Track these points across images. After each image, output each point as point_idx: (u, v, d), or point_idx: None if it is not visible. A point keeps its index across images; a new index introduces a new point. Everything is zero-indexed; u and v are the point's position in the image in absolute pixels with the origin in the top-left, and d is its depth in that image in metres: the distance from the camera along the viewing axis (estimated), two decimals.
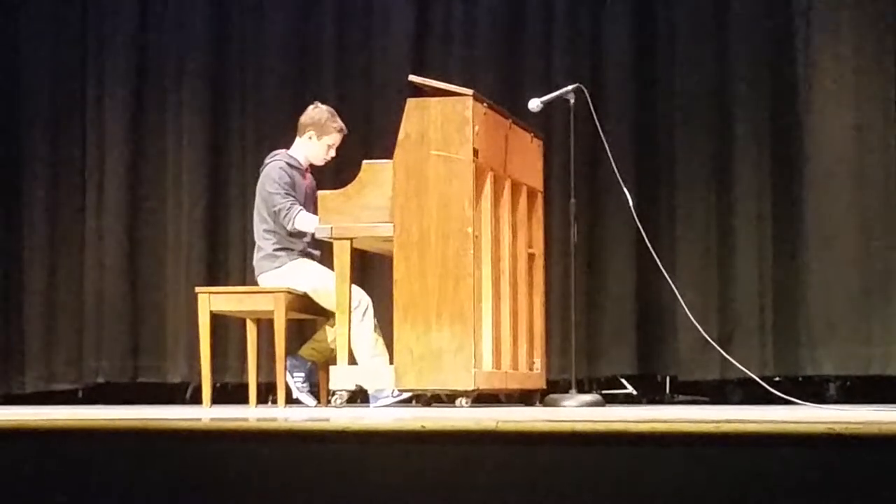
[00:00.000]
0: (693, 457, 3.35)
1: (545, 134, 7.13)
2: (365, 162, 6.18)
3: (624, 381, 7.87)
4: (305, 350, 6.94)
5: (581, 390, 6.68)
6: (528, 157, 6.70)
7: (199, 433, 3.84)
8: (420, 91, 6.14)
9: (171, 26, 8.55)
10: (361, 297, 6.49)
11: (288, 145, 6.91)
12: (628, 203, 6.56)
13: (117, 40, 8.59)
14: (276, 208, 6.69)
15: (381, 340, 6.49)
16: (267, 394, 7.75)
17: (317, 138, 6.83)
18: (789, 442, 3.30)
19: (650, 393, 7.89)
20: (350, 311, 6.20)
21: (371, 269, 7.48)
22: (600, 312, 7.79)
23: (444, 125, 5.91)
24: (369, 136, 7.83)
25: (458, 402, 5.89)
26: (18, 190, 8.68)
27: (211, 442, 3.77)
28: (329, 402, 6.31)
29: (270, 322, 6.59)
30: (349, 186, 6.16)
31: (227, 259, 8.33)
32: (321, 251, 6.80)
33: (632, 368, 7.75)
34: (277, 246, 6.74)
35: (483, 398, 6.31)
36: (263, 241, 6.78)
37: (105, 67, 8.61)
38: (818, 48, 7.51)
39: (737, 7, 7.66)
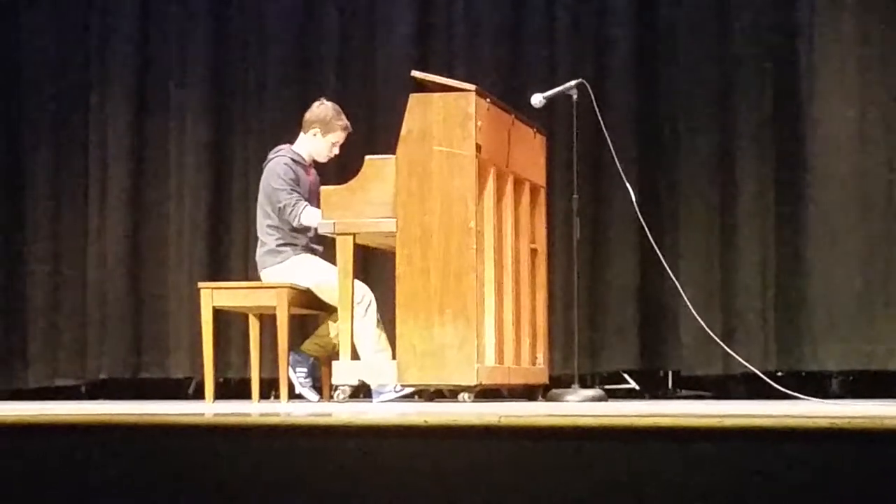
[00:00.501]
0: (695, 452, 3.35)
1: (548, 129, 7.12)
2: (368, 157, 6.18)
3: (626, 376, 7.87)
4: (308, 345, 6.95)
5: (584, 385, 6.68)
6: (530, 153, 6.70)
7: (201, 429, 3.84)
8: (423, 87, 6.13)
9: (173, 24, 8.56)
10: (364, 293, 6.49)
11: (291, 142, 6.91)
12: (631, 198, 6.56)
13: (120, 39, 8.59)
14: (280, 204, 6.69)
15: (383, 336, 6.49)
16: (269, 389, 7.76)
17: (322, 136, 6.84)
18: (792, 437, 3.30)
19: (653, 388, 7.89)
20: (353, 307, 6.20)
21: (374, 265, 7.48)
22: (603, 308, 7.79)
23: (447, 121, 5.91)
24: (372, 132, 7.83)
25: (460, 397, 5.89)
26: (22, 187, 8.69)
27: (214, 437, 3.78)
28: (332, 397, 6.32)
29: (273, 317, 6.59)
30: (352, 182, 6.16)
31: (230, 255, 8.34)
32: (324, 246, 6.80)
33: (634, 363, 7.75)
34: (281, 241, 6.74)
35: (486, 393, 6.31)
36: (266, 237, 6.78)
37: (108, 66, 8.61)
38: (821, 44, 7.50)
39: (739, 2, 7.65)
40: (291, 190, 6.69)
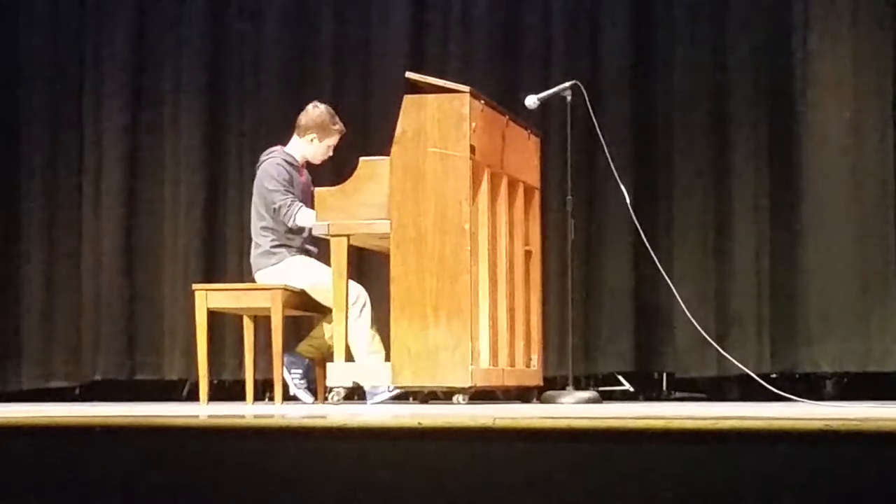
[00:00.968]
0: (690, 454, 3.35)
1: (542, 131, 7.12)
2: (362, 159, 6.18)
3: (621, 377, 7.87)
4: (302, 347, 6.94)
5: (578, 387, 6.69)
6: (525, 154, 6.70)
7: (196, 430, 3.84)
8: (417, 88, 6.13)
9: (168, 25, 8.55)
10: (359, 294, 6.48)
11: (284, 143, 6.90)
12: (625, 200, 6.56)
13: (115, 39, 8.58)
14: (275, 205, 6.68)
15: (377, 337, 6.49)
16: (264, 391, 7.75)
17: (318, 141, 6.84)
18: (786, 438, 3.30)
19: (647, 390, 7.89)
20: (347, 308, 6.20)
21: (368, 266, 7.48)
22: (597, 309, 7.79)
23: (442, 122, 5.91)
24: (366, 133, 7.83)
25: (454, 398, 5.89)
26: (16, 187, 8.68)
27: (208, 439, 3.77)
28: (326, 398, 6.31)
29: (267, 319, 6.59)
30: (346, 183, 6.16)
31: (224, 256, 8.33)
32: (318, 248, 6.80)
33: (629, 365, 7.75)
34: (275, 243, 6.74)
35: (480, 395, 6.31)
36: (261, 238, 6.78)
37: (103, 66, 8.61)
38: (815, 45, 7.51)
39: (734, 5, 7.66)
40: (286, 191, 6.69)
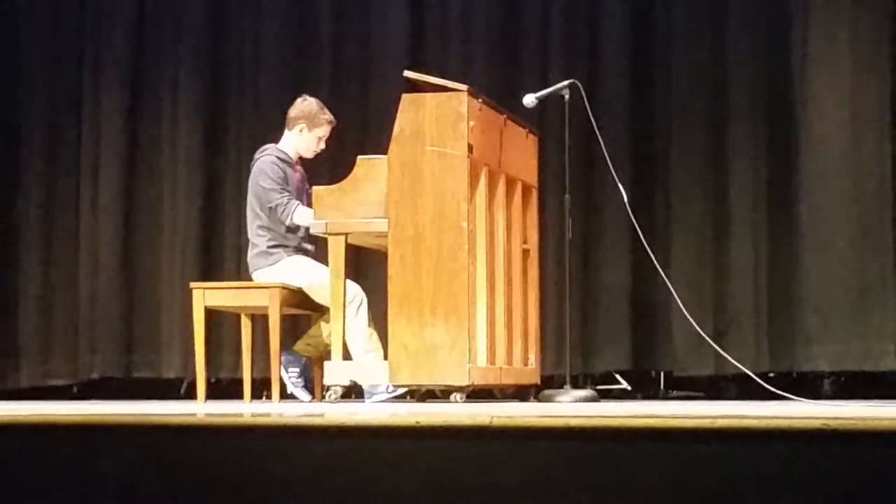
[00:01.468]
0: (687, 452, 3.35)
1: (540, 130, 7.12)
2: (360, 157, 6.18)
3: (618, 376, 7.87)
4: (300, 345, 6.94)
5: (575, 386, 6.68)
6: (522, 153, 6.70)
7: (193, 428, 3.84)
8: (415, 86, 6.14)
9: (167, 22, 8.55)
10: (356, 293, 6.48)
11: (278, 141, 6.89)
12: (623, 199, 6.56)
13: (114, 36, 8.58)
14: (272, 204, 6.68)
15: (375, 336, 6.49)
16: (261, 389, 7.73)
17: (307, 131, 6.83)
18: (784, 437, 3.30)
19: (645, 388, 7.89)
20: (344, 307, 6.19)
21: (366, 265, 7.47)
22: (595, 308, 7.79)
23: (439, 121, 5.91)
24: (364, 132, 7.84)
25: (452, 397, 5.89)
26: (15, 185, 8.68)
27: (205, 437, 3.77)
28: (323, 397, 6.31)
29: (265, 317, 6.59)
30: (344, 182, 6.16)
31: (222, 254, 8.33)
32: (315, 246, 6.79)
33: (626, 364, 7.75)
34: (272, 242, 6.73)
35: (478, 394, 6.31)
36: (258, 238, 6.78)
37: (101, 64, 8.60)
38: (814, 45, 7.50)
39: (733, 4, 7.66)
40: (282, 189, 6.69)
